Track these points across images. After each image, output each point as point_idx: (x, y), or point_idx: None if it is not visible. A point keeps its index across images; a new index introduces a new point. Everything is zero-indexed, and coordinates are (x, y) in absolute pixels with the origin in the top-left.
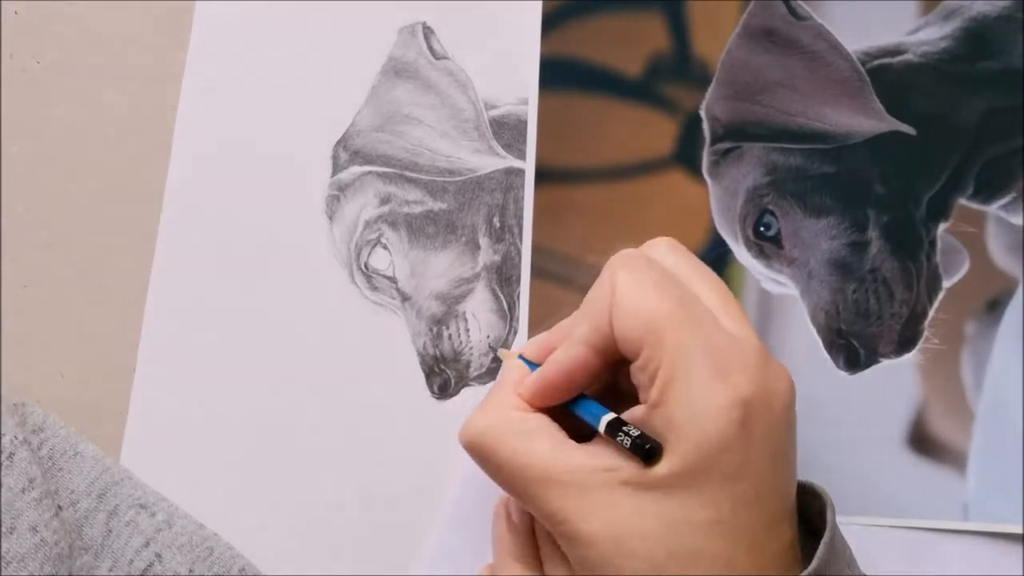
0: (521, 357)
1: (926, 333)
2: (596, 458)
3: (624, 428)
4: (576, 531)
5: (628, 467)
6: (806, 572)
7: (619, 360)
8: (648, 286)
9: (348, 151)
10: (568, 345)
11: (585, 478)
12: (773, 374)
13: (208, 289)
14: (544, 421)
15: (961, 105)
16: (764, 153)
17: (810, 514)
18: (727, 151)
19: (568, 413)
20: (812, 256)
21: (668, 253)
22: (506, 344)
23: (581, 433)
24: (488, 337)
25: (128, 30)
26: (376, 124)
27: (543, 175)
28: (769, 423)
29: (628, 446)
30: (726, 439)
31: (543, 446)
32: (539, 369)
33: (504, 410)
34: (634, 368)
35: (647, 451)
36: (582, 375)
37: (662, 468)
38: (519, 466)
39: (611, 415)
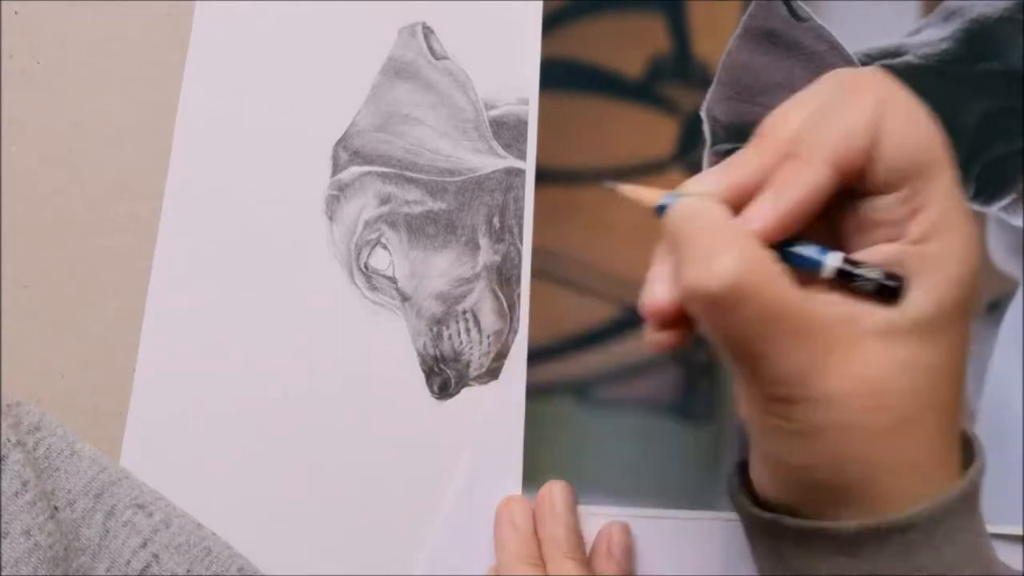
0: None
1: None
2: (838, 306)
3: (861, 267)
4: (825, 390)
5: (877, 314)
6: (976, 466)
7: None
8: (921, 115)
9: (348, 151)
10: (807, 165)
11: (835, 330)
12: None
13: (208, 289)
14: (780, 264)
15: (961, 106)
16: None
17: None
18: (728, 152)
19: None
20: None
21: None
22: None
23: None
24: (488, 337)
25: (128, 30)
26: (376, 124)
27: (543, 175)
28: None
29: (872, 286)
30: (976, 279)
31: (793, 292)
32: (774, 193)
33: (752, 248)
34: (889, 201)
35: (892, 289)
36: (821, 199)
37: (923, 310)
38: (773, 316)
39: (841, 254)
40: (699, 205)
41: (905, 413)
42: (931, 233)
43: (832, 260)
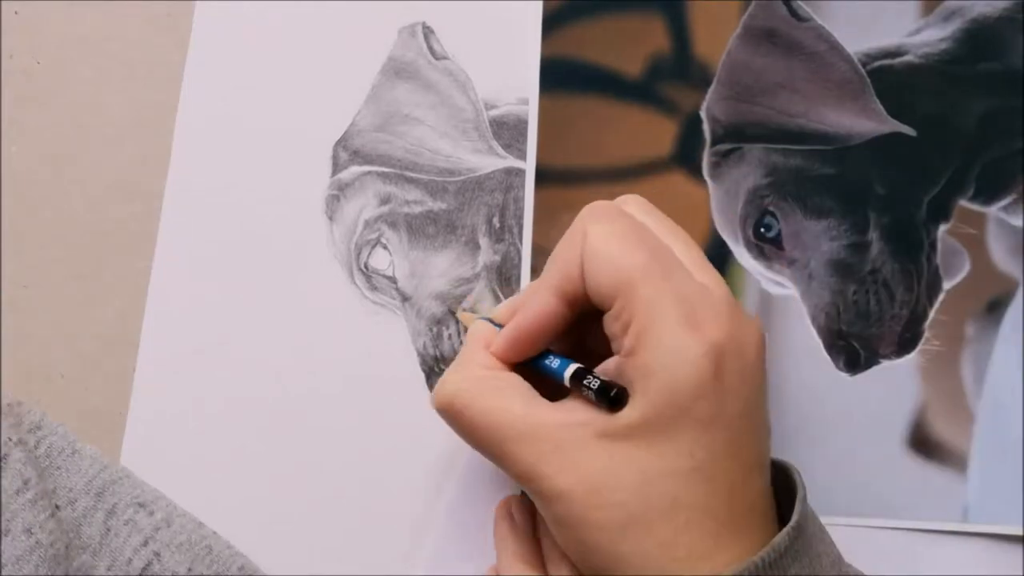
0: (489, 321)
1: (926, 334)
2: (569, 413)
3: (589, 376)
4: (551, 487)
5: (601, 420)
6: (790, 524)
7: (587, 314)
8: (621, 237)
9: (348, 151)
10: (538, 295)
11: (559, 433)
12: (743, 324)
13: (208, 289)
14: (516, 379)
15: (962, 106)
16: (765, 154)
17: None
18: (727, 152)
19: (537, 378)
20: (812, 257)
21: (639, 209)
22: (466, 311)
23: (551, 397)
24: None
25: (128, 30)
26: (376, 124)
27: (543, 175)
28: (741, 372)
29: (594, 390)
30: (699, 386)
31: (516, 403)
32: (510, 321)
33: (476, 369)
34: (607, 318)
35: (612, 397)
36: (551, 324)
37: (635, 416)
38: (492, 424)
39: (576, 365)
40: (474, 327)
41: (634, 510)
42: (637, 346)
43: (568, 371)
